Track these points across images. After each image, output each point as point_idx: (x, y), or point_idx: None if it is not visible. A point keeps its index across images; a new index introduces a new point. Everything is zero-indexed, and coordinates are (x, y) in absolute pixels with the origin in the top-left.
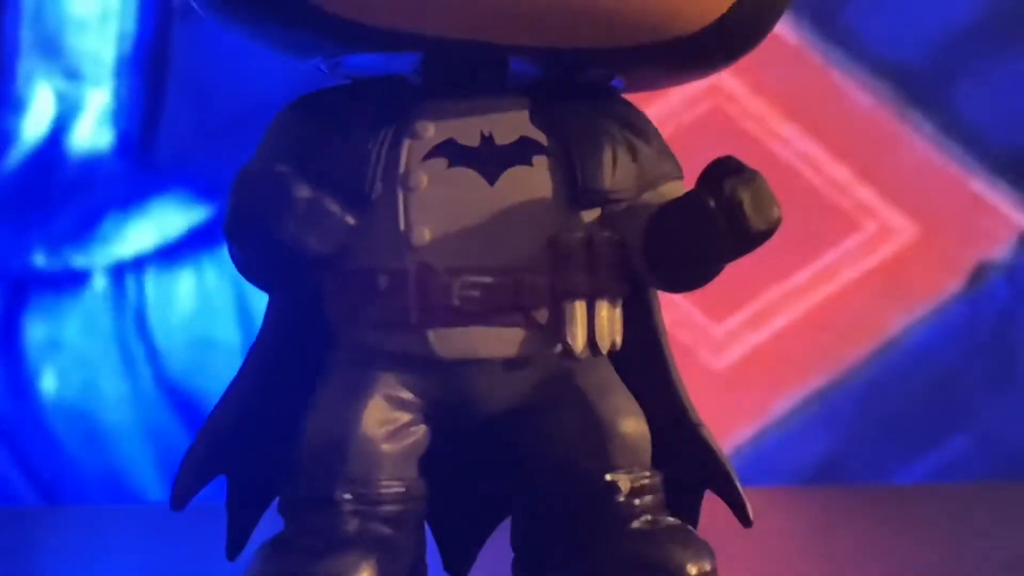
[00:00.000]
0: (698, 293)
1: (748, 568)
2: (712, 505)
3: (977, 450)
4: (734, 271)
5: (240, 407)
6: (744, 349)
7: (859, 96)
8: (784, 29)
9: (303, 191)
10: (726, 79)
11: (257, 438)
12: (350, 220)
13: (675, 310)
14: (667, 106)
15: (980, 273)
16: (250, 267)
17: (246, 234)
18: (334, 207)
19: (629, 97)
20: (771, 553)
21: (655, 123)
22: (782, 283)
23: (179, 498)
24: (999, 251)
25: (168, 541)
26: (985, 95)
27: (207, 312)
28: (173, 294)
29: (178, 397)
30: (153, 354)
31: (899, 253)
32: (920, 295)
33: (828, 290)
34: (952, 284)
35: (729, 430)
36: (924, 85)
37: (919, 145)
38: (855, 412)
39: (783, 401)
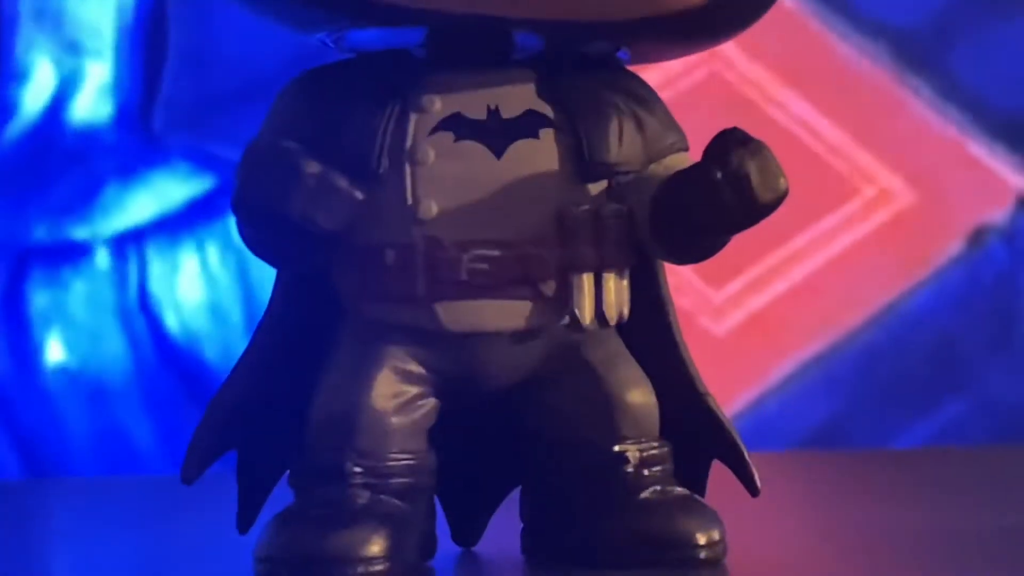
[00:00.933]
0: None
1: (748, 532)
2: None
3: (976, 413)
4: (735, 237)
5: (249, 382)
6: (743, 315)
7: (857, 60)
8: None
9: (311, 167)
10: (724, 44)
11: (267, 413)
12: (358, 195)
13: (675, 276)
14: (665, 72)
15: (979, 237)
16: (258, 243)
17: (254, 210)
18: (342, 182)
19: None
20: (771, 517)
21: (653, 88)
22: (781, 248)
23: (190, 473)
24: (997, 214)
25: (177, 513)
26: (983, 59)
27: (209, 283)
28: (175, 265)
29: (181, 368)
30: (155, 325)
31: (898, 217)
32: (919, 259)
33: (827, 255)
34: (951, 248)
35: (729, 395)
36: (922, 49)
37: (917, 109)
38: (854, 377)
39: (782, 366)
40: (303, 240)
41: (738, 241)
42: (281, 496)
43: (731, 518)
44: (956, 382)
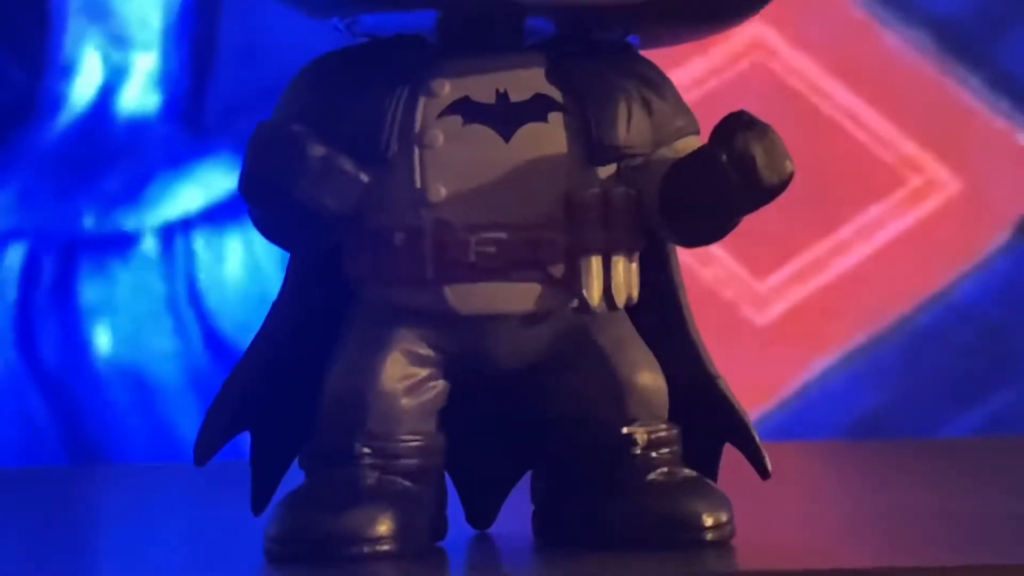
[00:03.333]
0: (742, 249)
1: (794, 521)
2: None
3: None
4: (779, 226)
5: (262, 365)
6: (788, 304)
7: (904, 50)
8: None
9: (317, 150)
10: (769, 34)
11: (279, 394)
12: (364, 178)
13: (719, 267)
14: (709, 62)
15: None
16: (268, 226)
17: (262, 193)
18: (348, 165)
19: (671, 54)
20: (817, 507)
21: (697, 79)
22: (826, 238)
23: (202, 454)
24: None
25: (202, 496)
26: None
27: (255, 271)
28: (222, 254)
29: (228, 357)
30: (203, 315)
31: (944, 207)
32: (965, 249)
33: (872, 245)
34: (998, 238)
35: (773, 385)
36: (969, 38)
37: (963, 98)
38: (900, 366)
39: (827, 356)
40: (311, 223)
41: (783, 231)
42: (296, 478)
43: (773, 506)
44: (1003, 372)
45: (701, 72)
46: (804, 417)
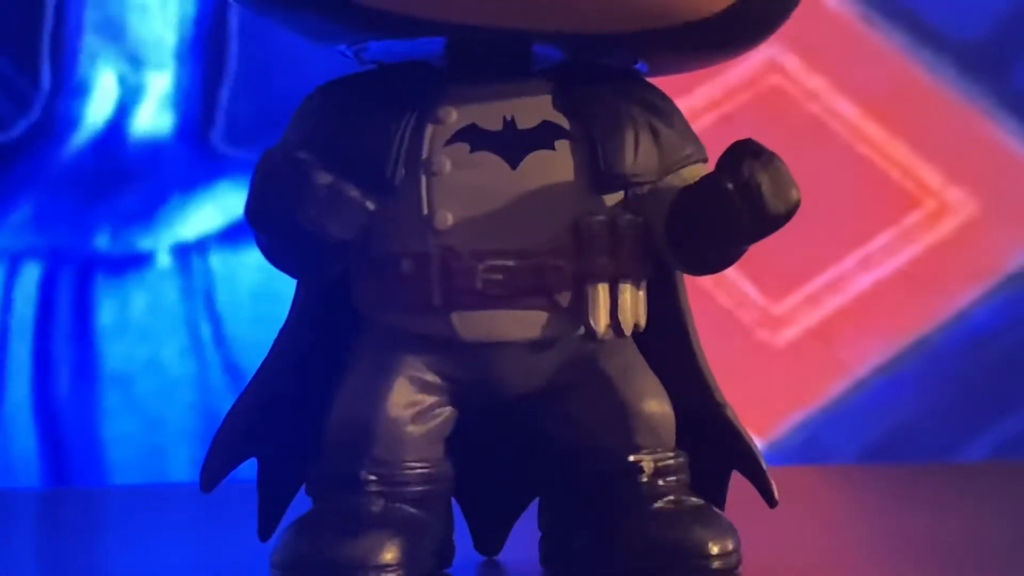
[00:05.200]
0: (758, 271)
1: (804, 548)
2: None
3: None
4: (795, 249)
5: (269, 390)
6: (804, 327)
7: (919, 72)
8: (843, 6)
9: (323, 177)
10: (785, 57)
11: (286, 421)
12: (370, 205)
13: (734, 289)
14: (725, 84)
15: None
16: (274, 253)
17: (268, 221)
18: (354, 192)
19: (686, 77)
20: (829, 532)
21: (713, 101)
22: (842, 261)
23: (209, 479)
24: None
25: (209, 521)
26: None
27: (271, 293)
28: (237, 275)
29: (243, 377)
30: (219, 335)
31: (959, 230)
32: (981, 271)
33: (888, 268)
34: (1014, 260)
35: (790, 408)
36: (985, 60)
37: (980, 122)
38: (917, 389)
39: (844, 379)
40: (317, 250)
41: (799, 253)
42: (304, 504)
43: (772, 531)
44: (1020, 395)
45: (717, 94)
46: (819, 440)
